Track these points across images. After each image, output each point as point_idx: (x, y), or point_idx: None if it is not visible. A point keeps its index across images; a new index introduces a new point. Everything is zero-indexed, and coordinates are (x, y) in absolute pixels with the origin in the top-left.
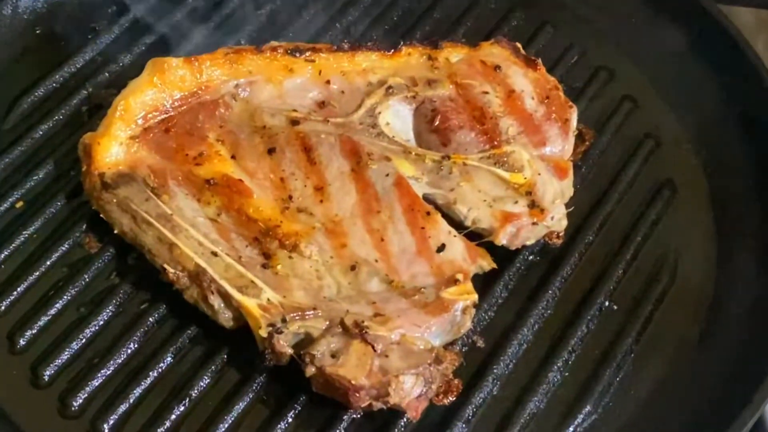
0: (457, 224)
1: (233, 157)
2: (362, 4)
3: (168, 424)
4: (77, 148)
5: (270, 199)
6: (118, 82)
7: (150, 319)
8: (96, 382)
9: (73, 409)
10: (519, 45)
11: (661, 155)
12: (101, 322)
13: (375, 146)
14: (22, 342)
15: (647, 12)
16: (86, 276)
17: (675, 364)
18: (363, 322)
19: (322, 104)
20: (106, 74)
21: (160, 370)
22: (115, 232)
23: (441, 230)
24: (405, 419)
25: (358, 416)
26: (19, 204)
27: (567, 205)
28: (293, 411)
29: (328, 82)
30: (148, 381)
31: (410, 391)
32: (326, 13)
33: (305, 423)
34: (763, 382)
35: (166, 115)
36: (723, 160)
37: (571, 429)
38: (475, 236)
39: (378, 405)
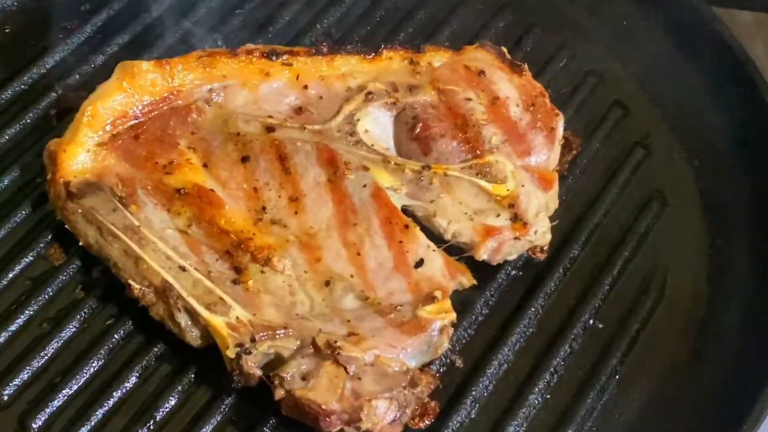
0: (436, 238)
1: (205, 165)
2: (344, 4)
3: None
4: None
5: (243, 210)
6: (89, 83)
7: (115, 335)
8: (57, 403)
9: (32, 430)
10: (504, 49)
11: (651, 165)
12: (64, 339)
13: (353, 155)
14: None
15: (639, 15)
16: (50, 290)
17: (662, 386)
18: (336, 342)
19: (299, 110)
20: (77, 76)
21: (124, 390)
22: (81, 244)
23: (419, 244)
24: None
25: None
26: None
27: (552, 218)
28: None
29: (305, 87)
30: (112, 402)
31: (383, 416)
32: (306, 13)
33: None
34: (754, 406)
35: (135, 121)
36: (716, 171)
37: None
38: (456, 250)
39: (350, 430)
